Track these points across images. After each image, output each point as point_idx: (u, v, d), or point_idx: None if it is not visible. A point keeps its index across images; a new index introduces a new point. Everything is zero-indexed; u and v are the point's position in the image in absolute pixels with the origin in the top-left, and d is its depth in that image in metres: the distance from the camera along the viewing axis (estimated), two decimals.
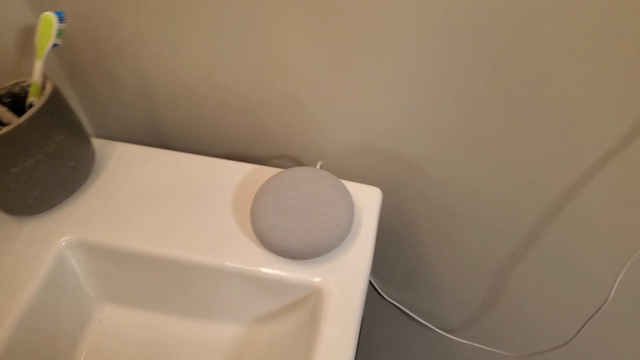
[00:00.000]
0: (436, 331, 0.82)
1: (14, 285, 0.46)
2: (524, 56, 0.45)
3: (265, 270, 0.48)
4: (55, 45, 0.47)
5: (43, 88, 0.47)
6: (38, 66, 0.46)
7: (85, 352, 0.54)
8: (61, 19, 0.47)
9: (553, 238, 0.64)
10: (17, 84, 0.48)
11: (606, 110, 0.47)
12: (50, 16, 0.46)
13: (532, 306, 0.77)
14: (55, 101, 0.47)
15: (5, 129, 0.43)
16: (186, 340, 0.55)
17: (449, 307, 0.86)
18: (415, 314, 0.88)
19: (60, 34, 0.46)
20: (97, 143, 0.57)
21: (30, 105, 0.48)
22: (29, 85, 0.48)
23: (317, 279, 0.47)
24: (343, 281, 0.47)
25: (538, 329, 0.82)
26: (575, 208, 0.59)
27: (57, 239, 0.49)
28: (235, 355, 0.53)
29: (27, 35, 0.53)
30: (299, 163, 0.64)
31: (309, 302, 0.49)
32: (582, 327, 0.60)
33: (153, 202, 0.53)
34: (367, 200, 0.53)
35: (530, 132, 0.52)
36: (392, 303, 0.86)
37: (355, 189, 0.54)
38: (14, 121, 0.44)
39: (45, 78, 0.47)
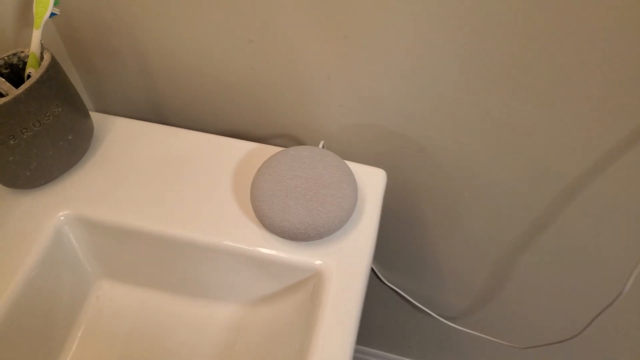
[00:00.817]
0: (437, 319, 0.81)
1: (12, 260, 0.46)
2: (539, 35, 0.43)
3: (264, 251, 0.47)
4: (53, 14, 0.45)
5: (41, 59, 0.46)
6: (36, 36, 0.45)
7: (83, 327, 0.54)
8: None
9: (564, 227, 0.63)
10: (15, 54, 0.47)
11: (626, 92, 0.46)
12: None
13: (539, 297, 0.77)
14: (53, 72, 0.45)
15: (2, 100, 0.42)
16: (184, 318, 0.54)
17: (451, 294, 0.85)
18: (417, 301, 0.87)
19: (57, 2, 0.45)
20: (95, 117, 0.56)
21: (29, 76, 0.47)
22: (27, 56, 0.47)
23: (318, 262, 0.46)
24: (345, 264, 0.46)
25: (544, 320, 0.81)
26: (589, 196, 0.57)
27: (55, 213, 0.49)
28: (234, 336, 0.53)
29: (27, 5, 0.52)
30: (300, 143, 0.63)
31: (309, 284, 0.48)
32: (593, 320, 0.58)
33: (152, 177, 0.52)
34: (371, 182, 0.52)
35: (544, 113, 0.50)
36: (392, 289, 0.85)
37: (359, 170, 0.53)
38: (12, 92, 0.43)
39: (43, 49, 0.46)
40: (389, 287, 0.85)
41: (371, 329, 1.06)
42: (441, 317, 0.81)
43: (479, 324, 0.90)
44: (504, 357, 0.97)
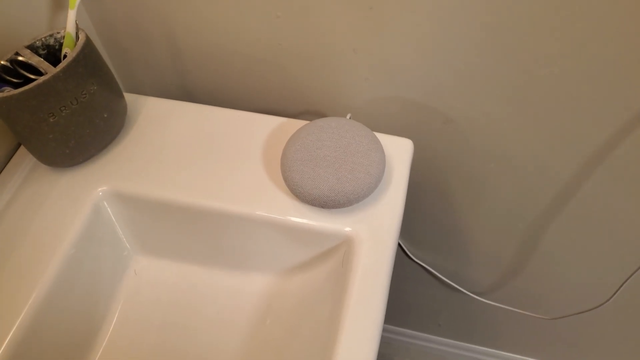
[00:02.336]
0: (466, 294, 0.82)
1: (55, 236, 0.48)
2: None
3: (295, 219, 0.48)
4: None
5: (76, 39, 0.48)
6: (71, 16, 0.47)
7: (122, 302, 0.56)
8: None
9: (592, 192, 0.62)
10: (51, 35, 0.48)
11: None
12: None
13: (566, 266, 0.76)
14: (88, 52, 0.47)
15: (42, 78, 0.43)
16: (218, 290, 0.56)
17: (478, 268, 0.85)
18: (443, 275, 0.87)
19: None
20: (128, 97, 0.58)
21: (65, 56, 0.48)
22: (62, 37, 0.48)
23: (347, 229, 0.47)
24: (374, 231, 0.47)
25: (572, 289, 0.81)
26: (617, 158, 0.57)
27: (94, 189, 0.51)
28: (267, 305, 0.54)
29: None
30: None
31: (339, 251, 0.49)
32: (621, 286, 0.58)
33: (184, 153, 0.53)
34: (399, 151, 0.52)
35: (571, 77, 0.50)
36: (420, 264, 0.86)
37: (386, 140, 0.53)
38: (51, 71, 0.44)
39: (78, 29, 0.48)
40: (416, 263, 0.86)
41: (400, 307, 1.07)
42: (468, 291, 0.81)
43: (507, 298, 0.90)
44: (534, 329, 0.97)
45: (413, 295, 1.00)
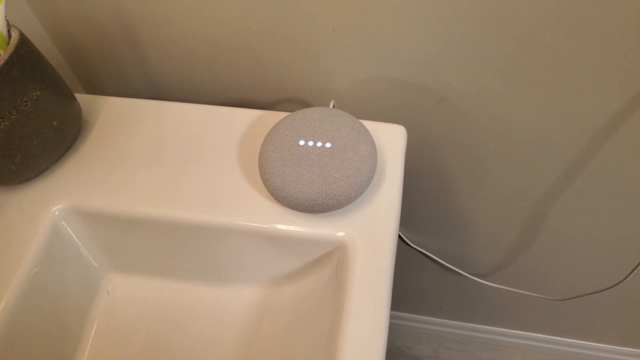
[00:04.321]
0: (468, 277, 0.77)
1: (7, 263, 0.42)
2: None
3: (280, 226, 0.43)
4: None
5: (9, 38, 0.41)
6: (0, 12, 0.40)
7: (96, 325, 0.50)
8: None
9: (599, 170, 0.58)
10: None
11: None
12: None
13: (575, 245, 0.72)
14: (25, 52, 0.40)
15: None
16: (204, 306, 0.51)
17: (481, 250, 0.81)
18: (445, 260, 0.83)
19: None
20: (83, 99, 0.51)
21: None
22: None
23: (340, 233, 0.42)
24: (370, 233, 0.42)
25: (582, 269, 0.77)
26: (625, 134, 0.52)
27: (49, 208, 0.45)
28: (260, 318, 0.49)
29: None
30: (308, 106, 0.58)
31: (332, 258, 0.44)
32: (638, 265, 0.54)
33: (151, 159, 0.47)
34: (390, 141, 0.47)
35: (575, 46, 0.44)
36: (419, 251, 0.81)
37: (375, 128, 0.47)
38: None
39: (10, 26, 0.41)
40: (415, 249, 0.81)
41: (400, 292, 1.03)
42: (472, 274, 0.77)
43: (512, 279, 0.86)
44: (541, 311, 0.94)
45: (413, 279, 0.96)
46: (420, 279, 0.94)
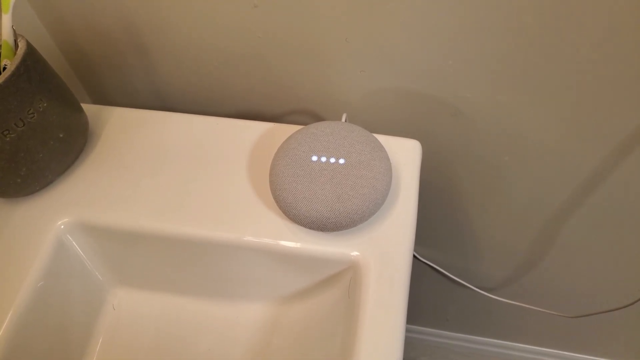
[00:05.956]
0: (475, 290, 0.76)
1: (12, 278, 0.41)
2: None
3: (291, 244, 0.41)
4: None
5: (16, 48, 0.40)
6: (5, 22, 0.39)
7: (101, 340, 0.49)
8: None
9: (617, 185, 0.56)
10: None
11: None
12: None
13: (588, 261, 0.70)
14: (32, 62, 0.39)
15: None
16: (211, 323, 0.49)
17: (489, 264, 0.79)
18: (452, 273, 0.81)
19: None
20: (90, 109, 0.50)
21: (5, 69, 0.41)
22: None
23: (354, 253, 0.40)
24: (384, 253, 0.40)
25: (594, 286, 0.75)
26: None
27: (54, 222, 0.43)
28: (267, 337, 0.48)
29: None
30: (319, 118, 0.57)
31: (344, 277, 0.42)
32: None
33: (158, 172, 0.46)
34: (406, 156, 0.45)
35: (596, 58, 0.43)
36: (425, 263, 0.80)
37: (390, 143, 0.46)
38: None
39: (17, 35, 0.40)
40: (422, 262, 0.80)
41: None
42: (479, 288, 0.75)
43: (521, 294, 0.84)
44: (550, 326, 0.92)
45: (419, 292, 0.94)
46: (426, 291, 0.93)
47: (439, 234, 0.74)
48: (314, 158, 0.40)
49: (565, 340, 0.97)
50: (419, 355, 1.15)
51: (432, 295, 0.94)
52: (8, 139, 0.39)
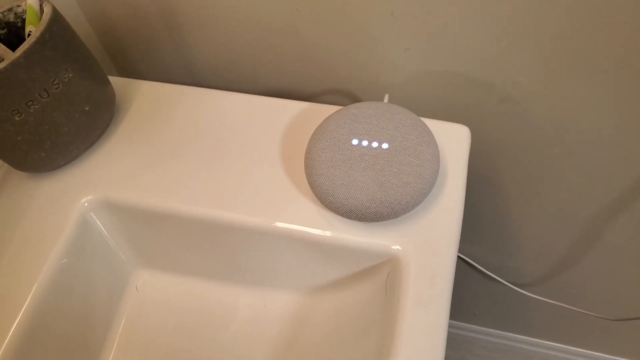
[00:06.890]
0: (507, 285, 0.72)
1: (35, 254, 0.39)
2: None
3: (325, 233, 0.39)
4: None
5: (41, 13, 0.38)
6: None
7: (124, 320, 0.48)
8: None
9: None
10: (10, 9, 0.38)
11: None
12: None
13: (633, 263, 0.66)
14: (57, 29, 0.37)
15: None
16: (235, 310, 0.47)
17: (526, 260, 0.75)
18: (485, 268, 0.78)
19: None
20: (117, 82, 0.48)
21: (29, 35, 0.38)
22: (24, 11, 0.38)
23: (395, 247, 0.37)
24: (427, 248, 0.37)
25: (637, 290, 0.71)
26: None
27: (78, 199, 0.42)
28: (296, 326, 0.46)
29: None
30: (357, 99, 0.53)
31: (381, 271, 0.40)
32: None
33: (186, 150, 0.44)
34: (453, 143, 0.42)
35: None
36: (459, 256, 0.77)
37: (437, 128, 0.42)
38: (8, 56, 0.35)
39: (42, 0, 0.38)
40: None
41: None
42: (512, 284, 0.72)
43: (556, 292, 0.80)
44: (584, 328, 0.88)
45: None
46: (456, 284, 0.89)
47: (476, 226, 0.70)
48: (355, 142, 0.37)
49: (601, 341, 0.93)
50: None
51: (462, 289, 0.91)
52: (32, 110, 0.37)
